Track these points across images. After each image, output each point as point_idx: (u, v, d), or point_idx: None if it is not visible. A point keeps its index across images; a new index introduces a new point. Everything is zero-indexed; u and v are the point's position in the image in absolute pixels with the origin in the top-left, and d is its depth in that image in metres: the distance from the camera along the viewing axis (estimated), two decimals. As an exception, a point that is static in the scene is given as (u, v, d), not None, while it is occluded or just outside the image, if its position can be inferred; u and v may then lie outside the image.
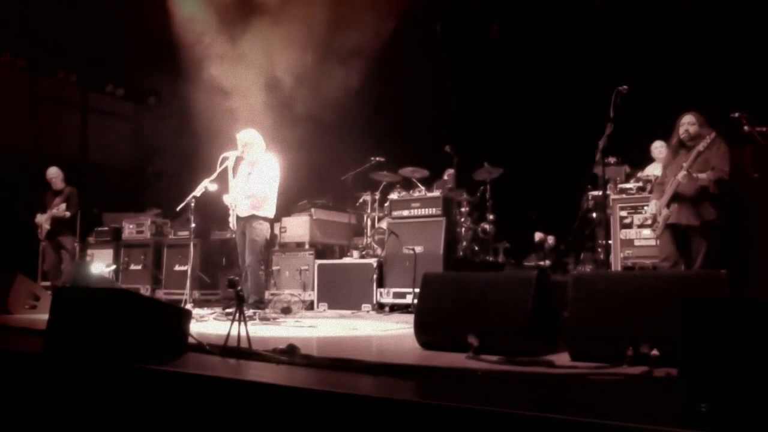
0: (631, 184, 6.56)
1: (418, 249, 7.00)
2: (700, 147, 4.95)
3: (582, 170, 6.91)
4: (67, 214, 8.06)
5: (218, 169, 6.00)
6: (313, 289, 7.62)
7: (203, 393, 2.59)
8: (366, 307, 7.14)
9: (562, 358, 3.11)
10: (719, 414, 1.79)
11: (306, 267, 7.86)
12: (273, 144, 6.43)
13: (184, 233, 8.45)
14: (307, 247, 8.14)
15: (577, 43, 8.04)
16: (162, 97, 11.78)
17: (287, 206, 8.17)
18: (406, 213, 7.45)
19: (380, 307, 7.12)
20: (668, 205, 5.17)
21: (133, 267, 9.11)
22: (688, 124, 5.19)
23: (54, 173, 8.29)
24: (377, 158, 8.16)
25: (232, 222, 6.12)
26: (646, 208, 5.81)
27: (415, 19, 8.51)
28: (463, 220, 7.58)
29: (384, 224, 7.80)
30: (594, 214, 7.20)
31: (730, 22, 7.01)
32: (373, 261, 7.33)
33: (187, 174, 7.59)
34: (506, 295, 3.46)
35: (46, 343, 3.34)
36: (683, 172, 4.93)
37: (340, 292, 7.41)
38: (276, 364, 3.03)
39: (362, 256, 7.75)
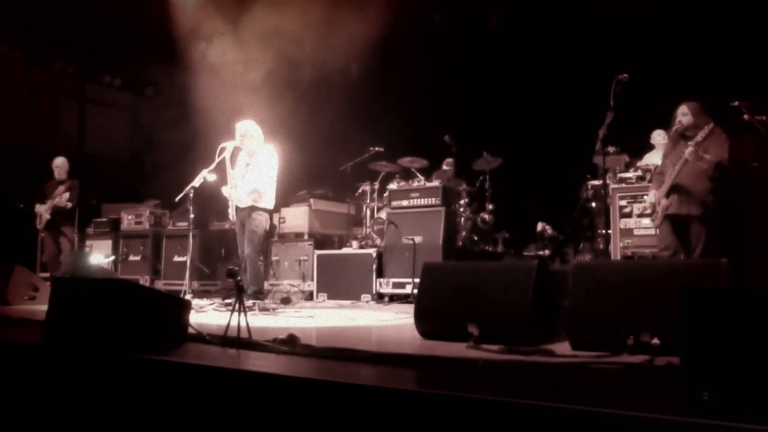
0: (630, 174, 6.55)
1: (418, 239, 6.99)
2: (699, 138, 4.96)
3: (581, 160, 6.90)
4: (69, 204, 8.03)
5: (217, 160, 5.98)
6: (312, 280, 7.62)
7: (204, 383, 2.59)
8: (365, 297, 7.14)
9: (563, 348, 3.11)
10: (720, 402, 1.79)
11: (305, 257, 7.85)
12: (272, 135, 6.41)
13: (183, 224, 8.43)
14: (306, 237, 8.13)
15: (577, 32, 8.00)
16: (160, 87, 11.73)
17: (286, 197, 8.15)
18: (405, 203, 7.44)
19: (380, 297, 7.12)
20: (667, 195, 5.17)
21: (132, 258, 9.10)
22: (681, 114, 5.21)
23: (61, 162, 8.28)
24: (376, 148, 8.14)
25: (232, 213, 6.12)
26: (645, 197, 5.81)
27: (415, 8, 8.46)
28: (462, 210, 7.56)
29: (383, 214, 7.79)
30: (593, 204, 7.19)
31: (731, 10, 6.97)
32: (373, 251, 7.32)
33: (186, 164, 7.56)
34: (507, 285, 3.46)
35: (45, 333, 3.34)
36: (690, 149, 4.93)
37: (339, 282, 7.40)
38: (276, 354, 3.03)
39: (361, 247, 7.75)
